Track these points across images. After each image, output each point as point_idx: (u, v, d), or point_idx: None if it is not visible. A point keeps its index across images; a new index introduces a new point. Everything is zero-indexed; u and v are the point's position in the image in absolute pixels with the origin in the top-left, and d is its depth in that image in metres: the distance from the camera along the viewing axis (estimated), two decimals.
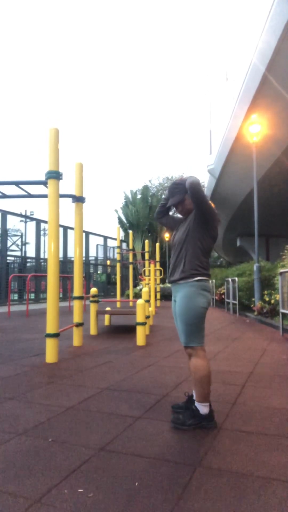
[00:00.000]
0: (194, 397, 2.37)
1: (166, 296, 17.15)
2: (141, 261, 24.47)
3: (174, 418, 2.33)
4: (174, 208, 2.56)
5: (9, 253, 19.43)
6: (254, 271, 10.18)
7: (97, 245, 25.30)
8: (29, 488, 1.62)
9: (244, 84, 17.88)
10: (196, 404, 2.32)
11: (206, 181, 36.02)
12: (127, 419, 2.43)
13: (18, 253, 24.77)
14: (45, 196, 4.64)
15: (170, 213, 2.76)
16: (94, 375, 3.63)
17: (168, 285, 21.36)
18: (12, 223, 29.62)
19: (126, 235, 24.93)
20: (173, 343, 5.52)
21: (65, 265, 19.91)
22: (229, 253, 52.34)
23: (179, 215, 2.66)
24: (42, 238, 20.46)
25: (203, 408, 2.30)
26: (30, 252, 21.17)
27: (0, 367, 4.00)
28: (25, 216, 20.66)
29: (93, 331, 6.59)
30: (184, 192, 2.43)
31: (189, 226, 2.41)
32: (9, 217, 16.71)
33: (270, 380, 3.40)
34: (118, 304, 13.46)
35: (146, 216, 27.16)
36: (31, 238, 19.96)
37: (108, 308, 7.67)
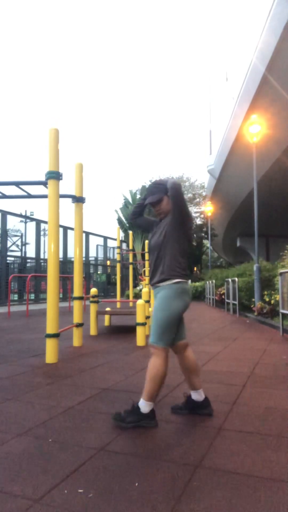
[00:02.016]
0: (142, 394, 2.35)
1: None
2: (141, 261, 24.48)
3: (115, 414, 2.34)
4: (152, 208, 2.56)
5: (9, 253, 19.43)
6: (254, 271, 10.19)
7: (97, 246, 25.30)
8: (29, 488, 1.62)
9: (244, 84, 17.90)
10: (141, 401, 2.32)
11: (206, 181, 36.05)
12: None
13: (18, 254, 24.78)
14: (45, 196, 4.64)
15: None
16: (94, 375, 3.63)
17: None
18: (12, 223, 29.56)
19: (126, 235, 24.91)
20: None
21: (65, 266, 19.91)
22: (229, 254, 52.40)
23: (153, 218, 2.66)
24: (42, 238, 20.46)
25: (145, 407, 2.30)
26: (30, 252, 21.17)
27: (0, 368, 4.00)
28: (25, 217, 20.66)
29: (93, 331, 6.59)
30: (163, 192, 2.44)
31: (166, 228, 2.42)
32: (9, 217, 16.71)
33: (270, 381, 3.40)
34: (118, 305, 13.45)
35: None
36: (31, 238, 19.98)
37: (108, 309, 7.67)
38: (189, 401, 2.54)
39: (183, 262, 2.41)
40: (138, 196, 27.98)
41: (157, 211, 2.53)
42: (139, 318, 5.47)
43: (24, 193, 5.17)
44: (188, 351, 2.56)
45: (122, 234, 24.74)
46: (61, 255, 19.50)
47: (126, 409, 2.38)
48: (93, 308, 6.61)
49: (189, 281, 2.48)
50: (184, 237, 2.44)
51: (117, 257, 14.68)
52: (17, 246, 25.93)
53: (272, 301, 8.51)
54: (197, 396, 2.52)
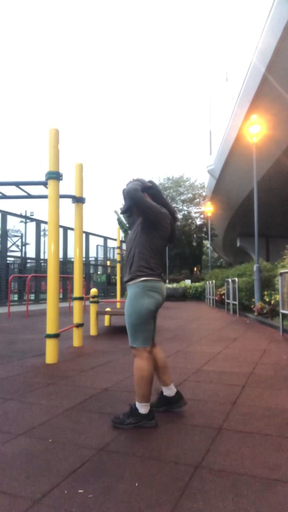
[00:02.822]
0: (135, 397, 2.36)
1: (165, 296, 17.09)
2: None
3: (114, 418, 2.35)
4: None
5: (9, 253, 19.44)
6: (254, 271, 10.18)
7: (97, 246, 25.32)
8: (29, 488, 1.62)
9: (244, 85, 17.89)
10: (136, 404, 2.33)
11: (206, 182, 36.04)
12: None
13: (18, 254, 24.80)
14: (45, 196, 4.64)
15: None
16: (94, 375, 3.63)
17: (168, 285, 21.36)
18: (12, 223, 29.57)
19: (126, 235, 24.93)
20: (172, 344, 5.52)
21: (65, 266, 19.91)
22: (229, 254, 52.39)
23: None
24: (42, 238, 20.48)
25: (141, 408, 2.31)
26: (30, 252, 21.18)
27: (0, 368, 4.00)
28: (25, 217, 20.68)
29: (93, 331, 6.59)
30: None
31: (137, 228, 2.43)
32: (9, 217, 16.72)
33: (270, 381, 3.40)
34: (118, 305, 13.45)
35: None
36: (31, 238, 20.00)
37: (108, 309, 7.67)
38: (161, 397, 2.58)
39: (153, 262, 2.38)
40: None
41: (134, 214, 2.55)
42: None
43: (24, 194, 5.17)
44: (156, 350, 2.56)
45: (122, 234, 24.74)
46: (61, 255, 19.51)
47: (124, 412, 2.38)
48: (93, 308, 6.61)
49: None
50: (156, 236, 2.40)
51: (117, 257, 14.68)
52: (17, 246, 25.94)
53: (272, 301, 8.51)
54: (169, 391, 2.55)
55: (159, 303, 2.39)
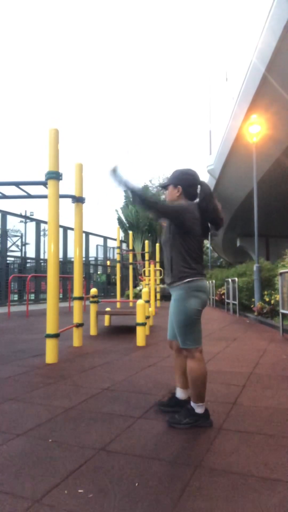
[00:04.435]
0: (190, 397, 2.38)
1: (166, 296, 17.08)
2: (141, 261, 24.45)
3: (170, 418, 2.35)
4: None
5: (9, 253, 19.44)
6: (254, 271, 10.18)
7: (97, 246, 25.31)
8: (29, 488, 1.62)
9: (244, 84, 17.89)
10: (192, 404, 2.34)
11: (206, 181, 36.02)
12: (127, 420, 2.43)
13: (18, 254, 24.83)
14: (45, 196, 4.64)
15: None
16: (94, 375, 3.63)
17: None
18: (12, 223, 29.52)
19: (126, 235, 24.89)
20: None
21: (65, 266, 19.91)
22: (229, 254, 52.34)
23: None
24: (42, 238, 20.48)
25: (198, 408, 2.32)
26: (30, 252, 21.19)
27: (0, 368, 4.00)
28: (25, 217, 20.70)
29: (93, 331, 6.59)
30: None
31: (170, 229, 2.42)
32: (9, 217, 16.71)
33: (270, 380, 3.40)
34: (118, 305, 13.45)
35: (146, 216, 27.14)
36: (31, 238, 19.99)
37: (108, 309, 7.67)
38: (173, 398, 2.59)
39: (193, 261, 2.34)
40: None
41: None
42: (139, 318, 5.47)
43: (24, 193, 5.17)
44: None
45: (122, 234, 24.74)
46: (61, 255, 19.51)
47: (179, 412, 2.37)
48: (93, 308, 6.61)
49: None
50: (188, 236, 2.35)
51: (117, 257, 14.68)
52: (17, 246, 25.98)
53: (272, 301, 8.51)
54: (181, 394, 2.57)
55: (205, 301, 2.38)
